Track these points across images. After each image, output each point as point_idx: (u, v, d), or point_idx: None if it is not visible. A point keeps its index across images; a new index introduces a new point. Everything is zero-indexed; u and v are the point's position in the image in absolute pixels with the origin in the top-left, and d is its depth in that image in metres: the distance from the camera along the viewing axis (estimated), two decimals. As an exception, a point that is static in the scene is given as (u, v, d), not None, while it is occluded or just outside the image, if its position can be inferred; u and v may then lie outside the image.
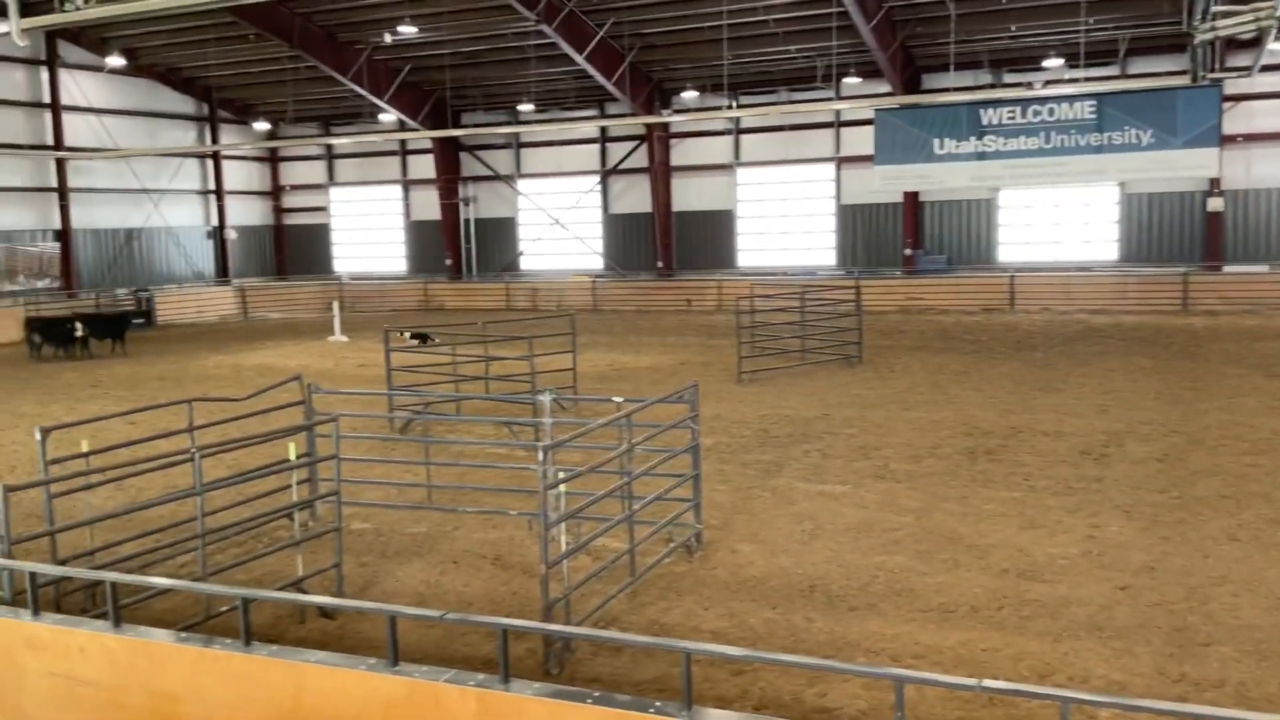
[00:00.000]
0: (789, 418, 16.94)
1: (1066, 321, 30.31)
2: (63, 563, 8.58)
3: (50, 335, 28.35)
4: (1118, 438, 14.85)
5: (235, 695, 5.86)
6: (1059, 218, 36.52)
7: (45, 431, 9.26)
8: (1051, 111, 33.63)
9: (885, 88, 35.51)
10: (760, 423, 16.61)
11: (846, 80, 35.36)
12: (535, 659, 7.95)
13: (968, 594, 9.17)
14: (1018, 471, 13.18)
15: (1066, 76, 33.70)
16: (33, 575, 6.70)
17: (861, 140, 37.25)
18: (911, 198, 37.30)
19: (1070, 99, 33.08)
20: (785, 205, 39.96)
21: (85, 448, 9.70)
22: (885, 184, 36.12)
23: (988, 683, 4.90)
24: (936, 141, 34.86)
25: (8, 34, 14.71)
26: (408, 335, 22.86)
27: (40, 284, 38.60)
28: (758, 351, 22.06)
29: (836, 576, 9.66)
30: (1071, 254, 35.99)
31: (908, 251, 37.74)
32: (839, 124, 38.51)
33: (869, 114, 36.10)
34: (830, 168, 39.06)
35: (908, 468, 13.51)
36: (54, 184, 38.71)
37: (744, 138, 40.15)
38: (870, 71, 35.30)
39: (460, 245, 44.53)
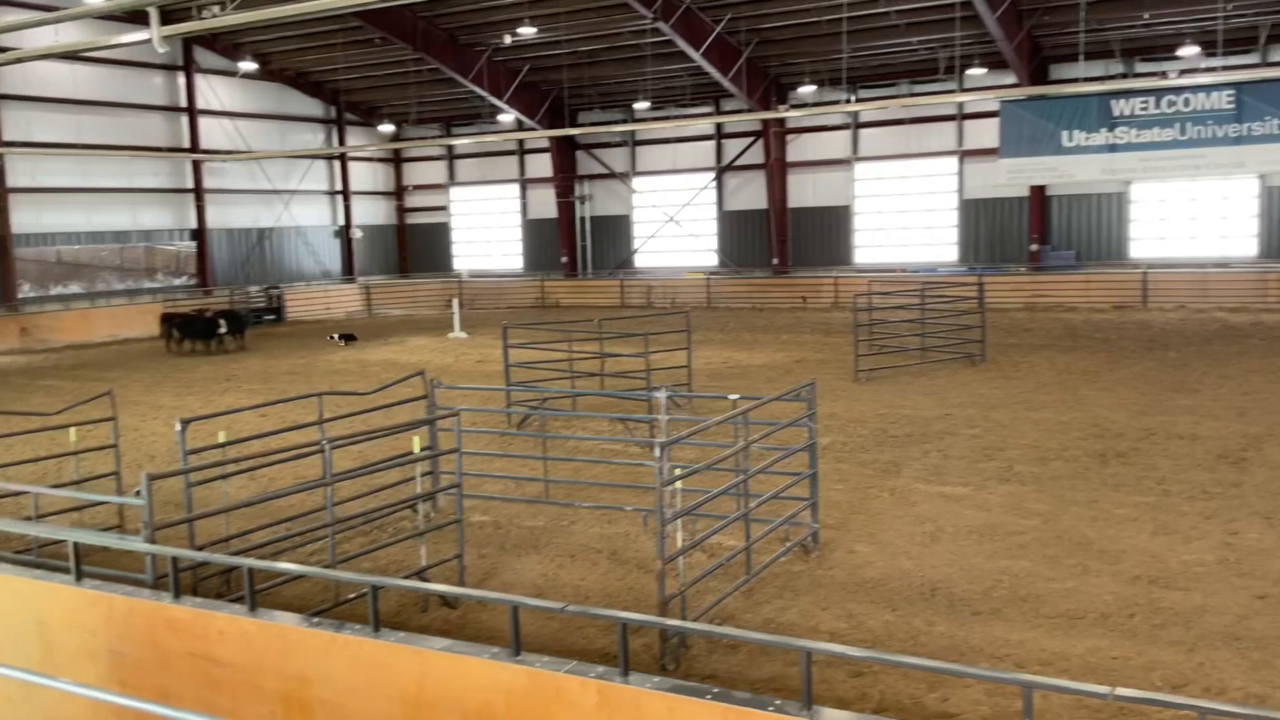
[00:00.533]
0: (908, 417, 16.63)
1: (1203, 320, 29.06)
2: (200, 549, 8.95)
3: (188, 331, 29.60)
4: (1257, 441, 14.17)
5: (363, 680, 6.03)
6: (1195, 212, 34.96)
7: (185, 423, 9.67)
8: (1187, 102, 32.29)
9: (1011, 79, 34.56)
10: (878, 422, 16.35)
11: (970, 71, 34.50)
12: (650, 654, 7.97)
13: (1097, 601, 8.87)
14: (1150, 475, 12.69)
15: (1203, 65, 32.28)
16: (174, 560, 7.00)
17: (985, 133, 36.34)
18: (1038, 192, 36.22)
19: (1207, 88, 31.71)
20: (904, 200, 39.21)
21: (222, 439, 10.09)
22: (1011, 178, 35.17)
23: (1120, 691, 4.73)
24: (1065, 133, 33.80)
25: (148, 40, 15.33)
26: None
27: (177, 281, 40.37)
28: (876, 349, 21.73)
29: (959, 580, 9.45)
30: (1208, 249, 34.44)
31: (1034, 247, 36.66)
32: (962, 116, 37.64)
33: (993, 106, 35.20)
34: (952, 161, 38.20)
35: (1034, 470, 13.13)
36: (190, 185, 40.42)
37: (862, 132, 39.56)
38: (995, 62, 34.40)
39: (576, 243, 44.97)
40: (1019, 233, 37.27)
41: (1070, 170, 34.18)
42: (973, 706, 7.10)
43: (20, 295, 34.92)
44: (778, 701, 5.10)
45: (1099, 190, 35.60)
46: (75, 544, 7.32)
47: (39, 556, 9.62)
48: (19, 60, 22.05)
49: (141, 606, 6.87)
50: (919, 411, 17.05)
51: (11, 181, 34.44)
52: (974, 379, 20.08)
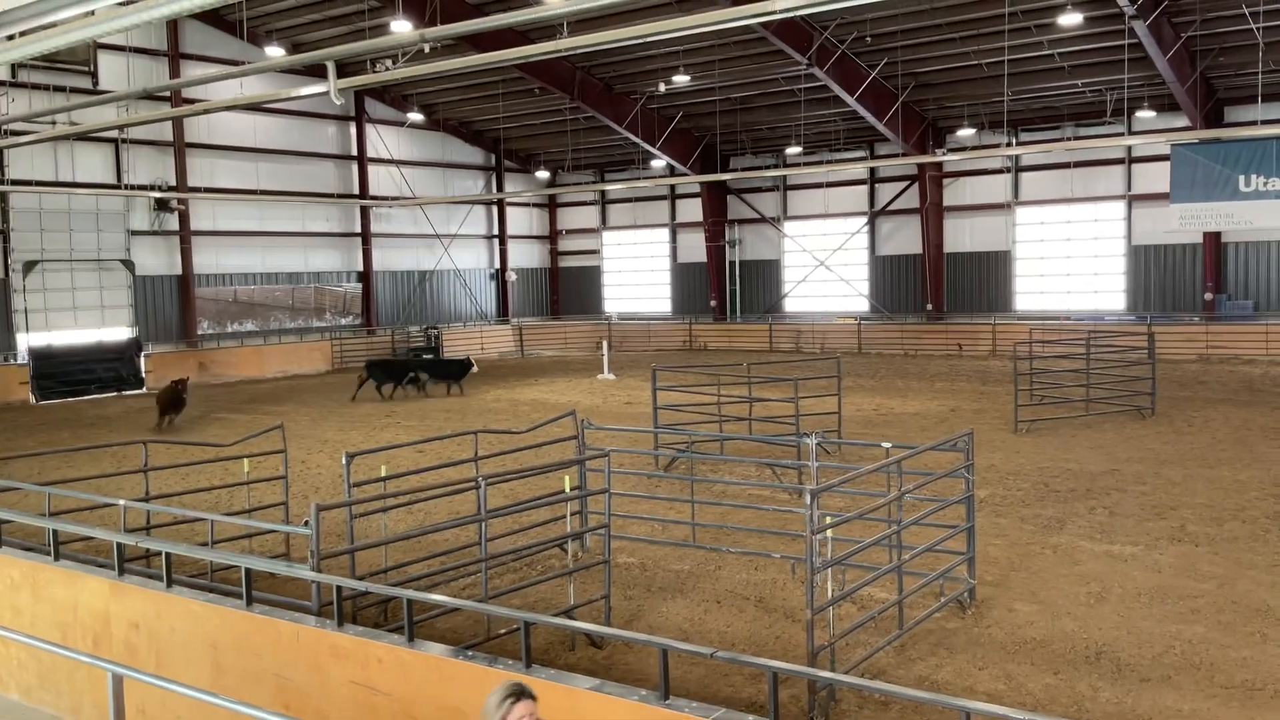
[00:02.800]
0: (1072, 471, 15.97)
1: (1398, 375, 27.05)
2: (360, 579, 9.25)
3: (390, 376, 29.19)
4: None
5: (515, 715, 6.10)
6: (1388, 260, 32.72)
7: (350, 457, 10.06)
8: (1377, 143, 30.33)
9: (1183, 121, 33.16)
10: (1040, 475, 15.74)
11: (1139, 114, 33.26)
12: (799, 706, 7.83)
13: (1277, 671, 8.30)
14: (1339, 540, 11.83)
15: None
16: (338, 589, 7.26)
17: (1155, 177, 34.89)
18: (1212, 238, 34.51)
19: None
20: (1069, 246, 37.92)
21: (384, 473, 10.45)
22: (1184, 223, 33.60)
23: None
24: (1242, 178, 32.15)
25: (326, 93, 16.17)
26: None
27: (344, 320, 42.19)
28: (1037, 400, 21.00)
29: (1126, 644, 8.97)
30: (1404, 300, 32.12)
31: (1208, 296, 34.88)
32: (1130, 160, 36.27)
33: (1164, 149, 33.76)
34: (1120, 206, 36.80)
35: (1208, 530, 12.41)
36: (358, 229, 42.32)
37: (1023, 175, 38.53)
38: (1166, 104, 33.09)
39: (725, 286, 45.06)
40: (1192, 280, 35.56)
41: (1248, 216, 32.46)
42: (1142, 779, 6.72)
43: (199, 332, 37.07)
44: (934, 762, 4.93)
45: (1279, 238, 33.70)
46: (247, 570, 7.67)
47: (213, 581, 10.11)
48: (205, 111, 23.57)
49: (307, 633, 7.13)
50: (1084, 466, 16.35)
51: (194, 225, 36.74)
52: (1143, 433, 19.16)
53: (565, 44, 15.76)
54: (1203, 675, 8.32)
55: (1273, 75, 29.86)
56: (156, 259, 36.03)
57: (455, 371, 29.74)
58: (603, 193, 48.16)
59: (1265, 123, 30.83)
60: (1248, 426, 19.61)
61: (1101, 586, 10.49)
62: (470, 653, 6.70)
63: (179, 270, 36.57)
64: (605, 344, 34.52)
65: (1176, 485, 14.82)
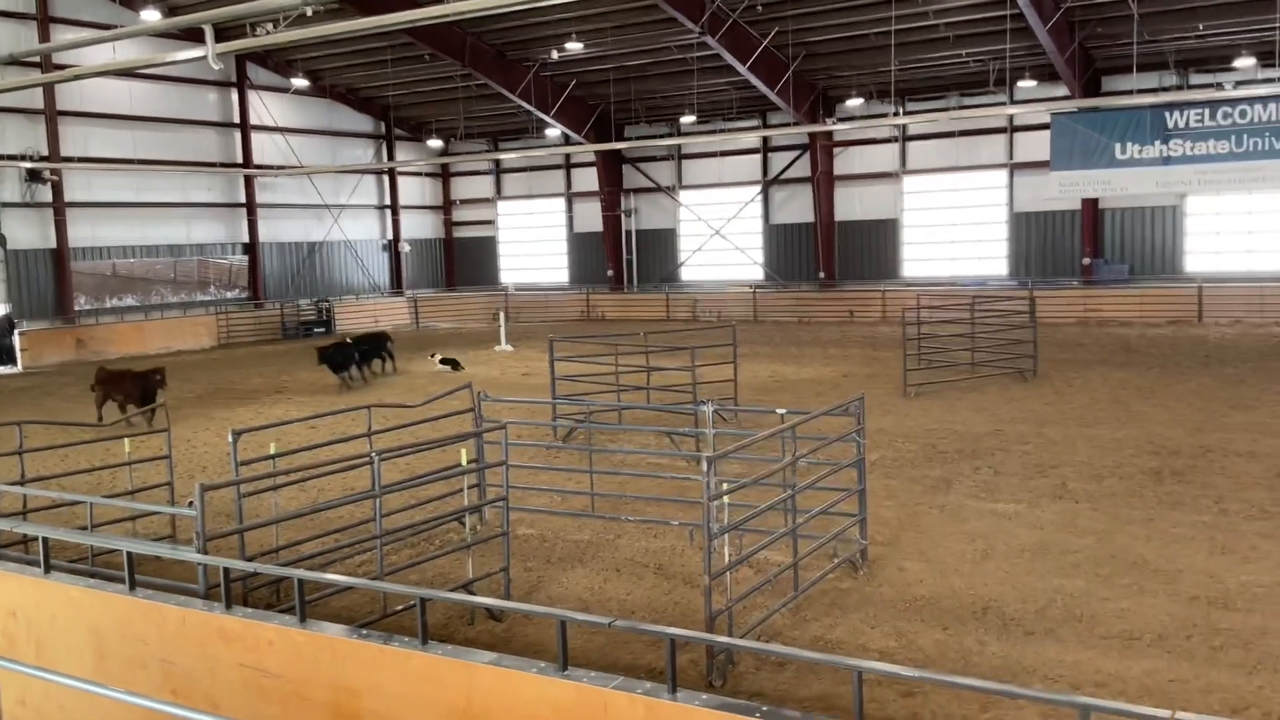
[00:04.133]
0: (958, 433, 16.43)
1: (1261, 335, 28.46)
2: (250, 559, 9.02)
3: (348, 360, 25.00)
4: (1321, 460, 13.82)
5: (412, 692, 6.03)
6: (1252, 225, 34.30)
7: (238, 434, 9.78)
8: (1244, 114, 31.73)
9: (1063, 91, 34.17)
10: (928, 437, 16.16)
11: (1021, 84, 34.15)
12: (697, 670, 7.91)
13: (1154, 621, 8.69)
14: (1208, 494, 12.42)
15: (1260, 76, 31.71)
16: (226, 570, 7.07)
17: (1036, 146, 35.93)
18: (1090, 205, 35.74)
19: (1264, 100, 31.11)
20: (954, 214, 38.87)
21: (273, 450, 10.19)
22: (1063, 190, 34.72)
23: (1180, 715, 4.60)
24: (1118, 146, 33.34)
25: (204, 58, 15.60)
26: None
27: (230, 294, 40.98)
28: (925, 364, 21.52)
29: (1011, 599, 9.29)
30: (1267, 264, 33.74)
31: (1086, 261, 36.17)
32: (1012, 129, 37.27)
33: (1044, 118, 34.79)
34: (1002, 174, 37.83)
35: (1088, 487, 12.91)
36: (243, 200, 41.05)
37: (910, 145, 39.30)
38: (1046, 74, 34.03)
39: (621, 256, 45.05)
40: (1071, 246, 36.80)
41: (1124, 183, 33.70)
42: (1027, 729, 6.97)
43: (76, 308, 35.61)
44: (828, 721, 5.03)
45: (1153, 203, 35.08)
46: (129, 554, 7.41)
47: (94, 566, 9.76)
48: (77, 77, 22.53)
49: (193, 616, 6.93)
50: (969, 427, 16.84)
51: (68, 196, 35.18)
52: (1025, 395, 19.81)
53: (453, 8, 15.43)
54: (1084, 627, 8.66)
55: (1147, 46, 30.93)
56: (29, 232, 34.44)
57: (384, 345, 26.65)
58: (497, 162, 47.61)
59: (1140, 92, 32.04)
60: (1124, 386, 20.42)
61: (987, 544, 10.83)
62: (365, 631, 6.60)
63: (53, 243, 35.02)
64: (502, 315, 34.23)
65: (1057, 444, 15.36)
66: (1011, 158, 37.50)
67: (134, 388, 20.13)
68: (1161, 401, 18.60)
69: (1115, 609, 8.98)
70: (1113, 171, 33.56)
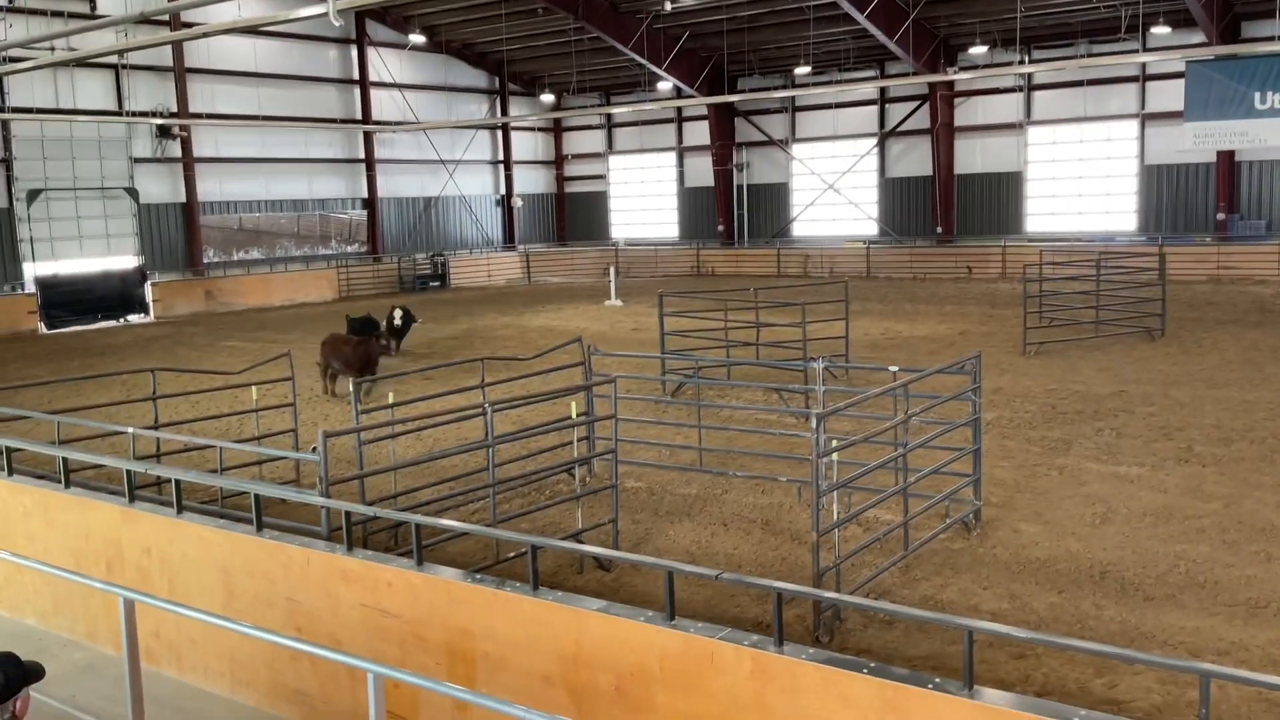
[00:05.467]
0: (1080, 393, 15.95)
1: None
2: (370, 504, 9.31)
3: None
4: None
5: (523, 636, 6.17)
6: (1405, 177, 32.27)
7: (358, 384, 10.06)
8: (1400, 58, 29.74)
9: (1199, 37, 32.49)
10: (1047, 397, 15.73)
11: (1154, 30, 32.57)
12: (804, 626, 7.91)
13: (1282, 590, 8.36)
14: (1347, 460, 11.84)
15: None
16: (347, 514, 7.31)
17: (1169, 95, 34.32)
18: (1226, 157, 34.03)
19: None
20: (1080, 166, 37.47)
21: (391, 400, 10.47)
22: (1197, 142, 33.11)
23: (1307, 686, 4.43)
24: (1258, 95, 31.61)
25: (325, 14, 15.87)
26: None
27: (350, 248, 42.03)
28: (1046, 322, 20.92)
29: (1131, 563, 9.03)
30: None
31: (1221, 216, 34.51)
32: (1144, 78, 35.65)
33: (1179, 66, 33.16)
34: (1133, 125, 36.26)
35: (1215, 451, 12.42)
36: (362, 155, 41.94)
37: (1035, 94, 37.93)
38: (1181, 20, 32.38)
39: (732, 211, 44.71)
40: (1205, 201, 35.16)
41: (1262, 134, 31.97)
42: (1143, 695, 6.80)
43: (205, 260, 37.00)
44: (937, 679, 4.98)
45: (1294, 155, 33.25)
46: (256, 496, 7.72)
47: (223, 507, 10.20)
48: (204, 35, 23.20)
49: (317, 557, 7.20)
50: (1091, 388, 16.33)
51: (197, 151, 36.44)
52: (1152, 355, 19.10)
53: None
54: (1207, 594, 8.38)
55: (1292, -12, 29.19)
56: (160, 187, 35.82)
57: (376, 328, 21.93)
58: (608, 116, 47.58)
59: (1283, 38, 30.24)
60: (1257, 347, 19.53)
61: (1107, 507, 10.53)
62: (479, 576, 6.76)
63: (183, 198, 36.37)
64: (612, 270, 34.38)
65: (1184, 406, 14.80)
66: (1143, 108, 35.92)
67: (353, 356, 17.65)
68: (1298, 364, 17.74)
69: (1241, 576, 8.67)
70: (1251, 122, 31.85)
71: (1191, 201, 35.48)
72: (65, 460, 9.10)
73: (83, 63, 31.33)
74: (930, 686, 4.89)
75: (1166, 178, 35.83)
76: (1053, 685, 6.99)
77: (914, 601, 8.38)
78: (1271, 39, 30.44)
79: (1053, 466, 12.08)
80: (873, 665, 5.17)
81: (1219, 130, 32.53)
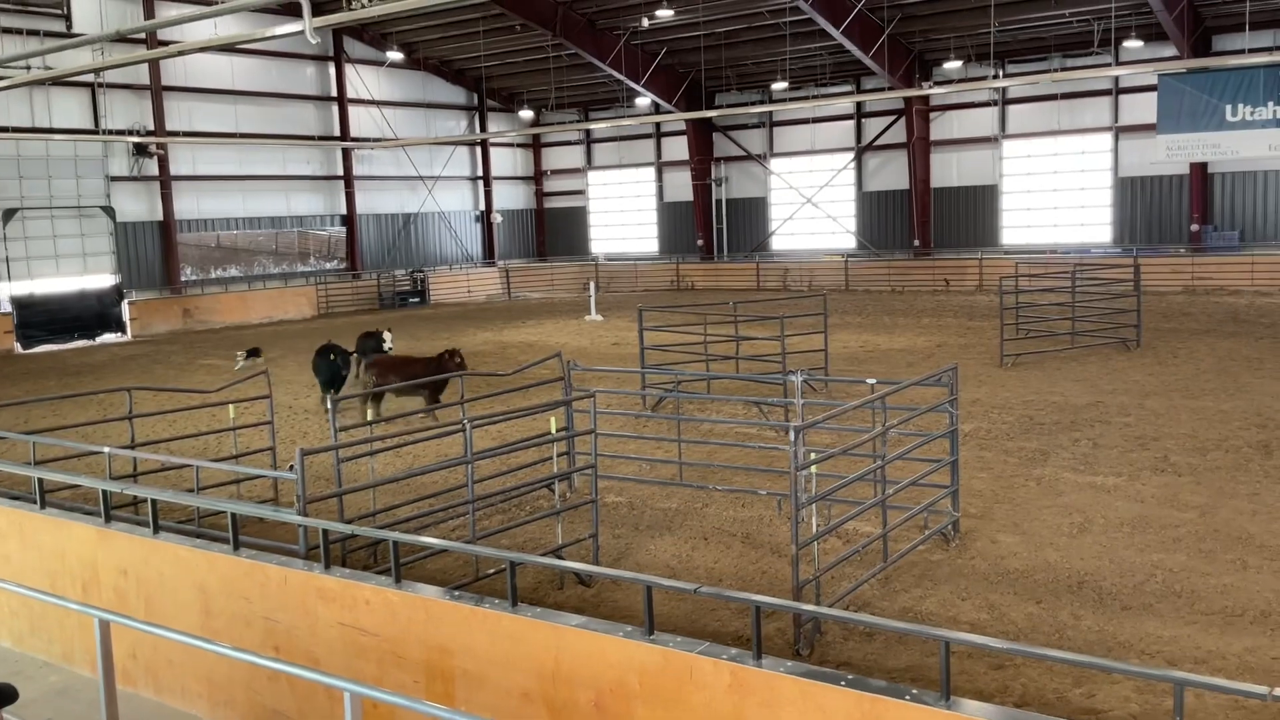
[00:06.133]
0: (1056, 404, 16.06)
1: (1381, 304, 27.17)
2: (348, 522, 9.28)
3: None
4: None
5: (502, 653, 6.16)
6: (1374, 188, 32.69)
7: (336, 401, 10.03)
8: (1367, 70, 30.16)
9: (1171, 51, 32.88)
10: (1024, 408, 15.83)
11: (1126, 44, 32.96)
12: (784, 639, 7.92)
13: (1257, 598, 8.42)
14: (1320, 468, 11.95)
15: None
16: (325, 532, 7.28)
17: (1142, 108, 34.70)
18: (1199, 169, 34.41)
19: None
20: (1055, 179, 37.80)
21: (370, 416, 10.43)
22: (1170, 154, 33.48)
23: (1279, 692, 4.47)
24: (1229, 107, 32.00)
25: (301, 32, 15.88)
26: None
27: (329, 265, 41.92)
28: (1023, 334, 21.05)
29: (1108, 573, 9.09)
30: (1389, 229, 32.17)
31: (1194, 227, 34.87)
32: (1117, 91, 36.04)
33: (1151, 79, 33.55)
34: (1107, 138, 36.63)
35: (1191, 461, 12.52)
36: (340, 172, 41.88)
37: (1010, 108, 38.27)
38: (1153, 34, 32.77)
39: (712, 225, 44.85)
40: (1178, 212, 35.52)
41: (1235, 146, 32.35)
42: (1121, 704, 6.83)
43: (182, 278, 36.81)
44: (914, 691, 5.01)
45: (1265, 167, 33.62)
46: (234, 515, 7.68)
47: (200, 527, 10.14)
48: (181, 53, 23.17)
49: (294, 576, 7.17)
50: (1068, 398, 16.44)
51: (174, 169, 36.30)
52: (1128, 365, 19.25)
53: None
54: (1184, 602, 8.44)
55: (1260, 3, 29.57)
56: (137, 204, 35.65)
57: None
58: (587, 132, 47.70)
59: (1253, 51, 30.69)
60: (1232, 357, 19.71)
61: (1084, 517, 10.59)
62: (458, 593, 6.75)
63: (160, 216, 36.21)
64: (592, 285, 34.41)
65: (1160, 416, 14.92)
66: (1116, 121, 36.30)
67: (425, 374, 15.82)
68: (1271, 373, 17.91)
69: (1217, 585, 8.73)
70: (1223, 134, 32.23)
71: (1165, 213, 35.83)
72: (41, 480, 9.03)
73: (59, 81, 31.23)
74: (908, 698, 4.91)
75: (1140, 190, 36.19)
76: (1031, 695, 7.02)
77: (893, 613, 8.40)
78: (1241, 52, 30.88)
79: (1030, 477, 12.15)
80: (850, 677, 5.18)
81: (1192, 142, 32.90)
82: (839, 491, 9.26)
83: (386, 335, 20.52)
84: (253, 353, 22.40)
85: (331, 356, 18.00)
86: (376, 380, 15.99)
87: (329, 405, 10.99)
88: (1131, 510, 10.77)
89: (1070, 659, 5.18)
